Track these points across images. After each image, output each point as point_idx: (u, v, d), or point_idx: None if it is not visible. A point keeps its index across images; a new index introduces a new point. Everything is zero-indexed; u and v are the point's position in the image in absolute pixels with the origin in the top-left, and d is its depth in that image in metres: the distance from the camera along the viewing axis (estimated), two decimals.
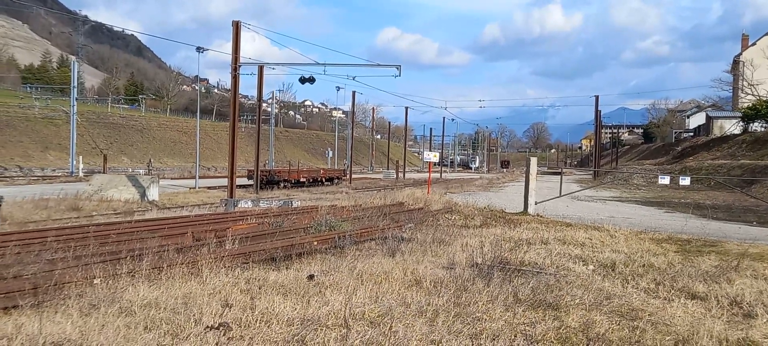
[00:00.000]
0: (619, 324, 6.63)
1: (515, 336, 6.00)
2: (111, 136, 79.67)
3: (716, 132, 68.29)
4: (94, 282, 7.55)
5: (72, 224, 15.68)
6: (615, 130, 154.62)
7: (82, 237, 11.73)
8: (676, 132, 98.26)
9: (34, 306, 6.61)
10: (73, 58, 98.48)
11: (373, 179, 65.71)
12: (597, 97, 68.63)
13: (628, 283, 8.91)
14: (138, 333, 5.65)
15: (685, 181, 24.11)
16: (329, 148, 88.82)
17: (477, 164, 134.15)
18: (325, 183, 49.66)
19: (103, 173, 42.43)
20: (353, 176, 59.15)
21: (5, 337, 5.45)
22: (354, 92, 60.30)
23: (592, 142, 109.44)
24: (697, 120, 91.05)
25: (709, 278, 9.26)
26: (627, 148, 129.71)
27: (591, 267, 10.07)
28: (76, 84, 59.72)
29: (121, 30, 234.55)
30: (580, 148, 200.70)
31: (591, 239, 13.66)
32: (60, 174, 50.43)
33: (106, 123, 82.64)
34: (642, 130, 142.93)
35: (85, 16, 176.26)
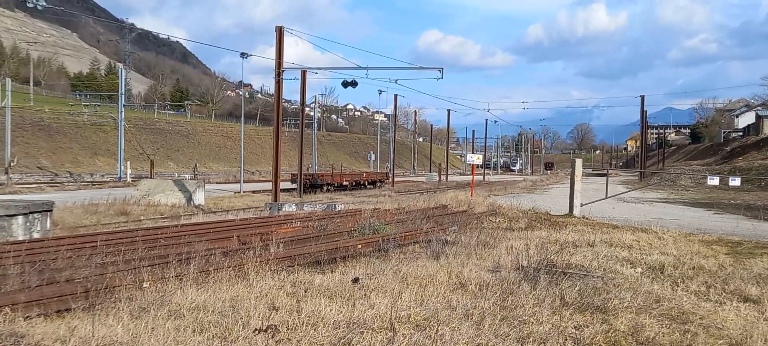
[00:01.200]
0: (669, 328, 6.50)
1: (563, 340, 5.92)
2: (157, 142, 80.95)
3: (766, 131, 66.72)
4: (144, 285, 7.67)
5: (121, 229, 15.98)
6: (661, 131, 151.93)
7: (130, 241, 11.94)
8: (724, 132, 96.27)
9: (86, 309, 6.74)
10: (120, 65, 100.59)
11: (416, 181, 65.67)
12: (642, 98, 67.49)
13: (677, 286, 8.74)
14: (187, 336, 5.72)
15: (735, 181, 23.61)
16: (371, 152, 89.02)
17: (519, 166, 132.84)
18: (368, 186, 49.80)
19: (150, 178, 43.21)
20: (396, 179, 59.19)
21: (58, 339, 5.56)
22: (396, 95, 60.40)
23: (638, 143, 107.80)
24: (746, 119, 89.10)
25: (762, 280, 9.04)
26: (674, 149, 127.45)
27: (639, 270, 9.90)
28: (123, 91, 60.88)
29: (166, 37, 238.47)
30: (626, 149, 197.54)
31: (638, 241, 13.44)
32: (108, 179, 51.50)
33: (152, 129, 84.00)
34: (689, 131, 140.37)
35: (132, 25, 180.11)
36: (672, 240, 13.95)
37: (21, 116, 61.73)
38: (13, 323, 6.06)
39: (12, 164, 45.18)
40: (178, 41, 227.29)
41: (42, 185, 40.92)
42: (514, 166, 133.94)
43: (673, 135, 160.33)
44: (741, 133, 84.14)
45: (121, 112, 58.05)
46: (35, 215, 15.03)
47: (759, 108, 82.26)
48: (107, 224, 18.75)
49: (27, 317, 6.37)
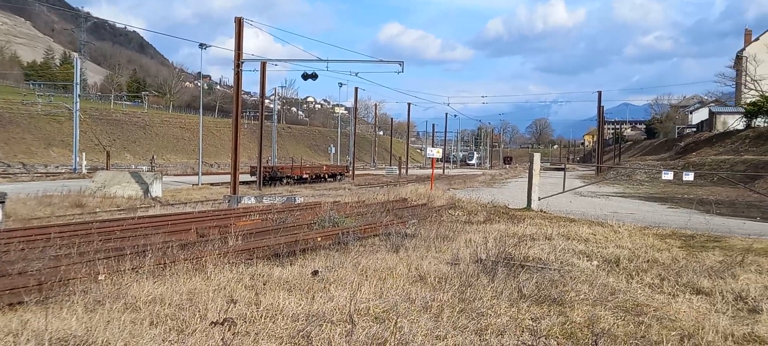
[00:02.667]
0: (624, 319, 6.63)
1: (521, 332, 6.00)
2: (114, 133, 79.72)
3: (719, 128, 68.22)
4: (99, 278, 7.55)
5: (76, 221, 15.70)
6: (618, 126, 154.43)
7: (85, 234, 11.75)
8: (679, 128, 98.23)
9: (40, 302, 6.62)
10: (75, 55, 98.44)
11: (376, 175, 65.71)
12: (600, 93, 68.50)
13: (632, 278, 8.89)
14: (143, 329, 5.65)
15: (689, 176, 24.00)
16: (332, 145, 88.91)
17: (476, 160, 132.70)
18: (328, 179, 49.67)
19: (106, 169, 42.50)
20: (356, 172, 59.17)
21: (11, 333, 5.45)
22: (356, 88, 60.23)
23: (595, 138, 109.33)
24: (700, 116, 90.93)
25: (714, 273, 9.24)
26: (630, 144, 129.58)
27: (595, 263, 10.05)
28: (78, 81, 59.66)
29: (123, 27, 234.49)
30: (583, 144, 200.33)
31: (595, 235, 13.64)
32: (63, 171, 50.47)
33: (108, 120, 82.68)
34: (645, 126, 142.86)
35: (88, 13, 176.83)
36: (627, 234, 14.19)
37: None
38: None
39: None
40: (135, 31, 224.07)
41: None
42: (471, 160, 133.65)
43: (629, 130, 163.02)
44: (695, 129, 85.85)
45: (76, 102, 56.93)
46: None
47: (712, 105, 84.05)
48: (61, 216, 18.39)
49: None
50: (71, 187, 26.16)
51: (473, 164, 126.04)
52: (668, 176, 25.68)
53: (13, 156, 58.74)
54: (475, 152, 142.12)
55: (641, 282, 8.68)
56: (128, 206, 22.13)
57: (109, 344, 5.25)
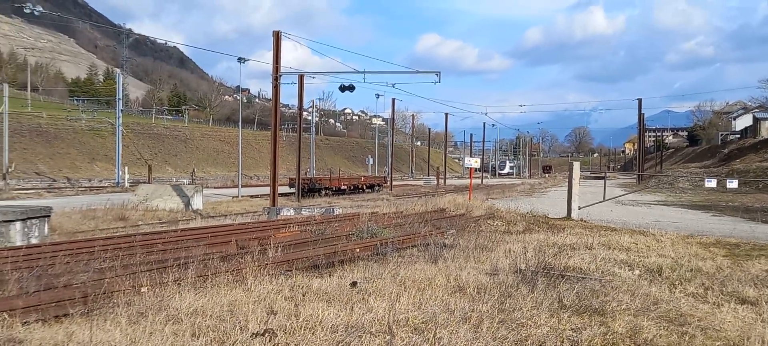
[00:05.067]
0: (667, 330, 6.51)
1: (561, 342, 5.93)
2: (155, 147, 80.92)
3: (764, 134, 66.86)
4: (142, 290, 7.66)
5: (119, 234, 15.95)
6: (659, 134, 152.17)
7: (128, 246, 11.93)
8: (722, 134, 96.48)
9: (84, 314, 6.74)
10: (117, 71, 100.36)
11: (414, 185, 65.66)
12: (640, 101, 67.82)
13: (675, 288, 8.75)
14: (185, 340, 5.72)
15: (733, 184, 23.61)
16: (369, 156, 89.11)
17: (507, 169, 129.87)
18: (366, 190, 49.75)
19: (148, 183, 43.13)
20: (394, 182, 59.19)
21: (57, 344, 5.57)
22: (394, 99, 60.39)
23: (636, 146, 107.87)
24: (743, 122, 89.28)
25: (760, 282, 9.06)
26: (672, 152, 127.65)
27: (637, 272, 9.91)
28: (121, 96, 60.83)
29: (164, 42, 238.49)
30: (623, 152, 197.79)
31: (636, 244, 13.45)
32: (106, 185, 51.40)
33: (150, 134, 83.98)
34: (687, 133, 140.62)
35: (129, 30, 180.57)
36: (670, 242, 13.97)
37: (19, 122, 61.73)
38: (11, 329, 6.06)
39: (10, 170, 45.17)
40: (175, 46, 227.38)
41: (40, 191, 40.85)
42: (504, 169, 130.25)
43: (670, 138, 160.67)
44: (738, 136, 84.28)
45: (119, 117, 58.02)
46: (33, 220, 15.01)
47: (756, 110, 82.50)
48: (105, 229, 18.71)
49: (25, 322, 6.36)
50: (114, 200, 26.60)
51: (508, 173, 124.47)
52: (712, 183, 25.22)
53: (58, 171, 59.96)
54: (507, 161, 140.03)
55: (684, 292, 8.54)
56: (170, 219, 22.43)
57: None
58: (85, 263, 9.88)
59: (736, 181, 23.62)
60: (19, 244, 13.47)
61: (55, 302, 7.08)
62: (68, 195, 37.06)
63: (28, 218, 14.83)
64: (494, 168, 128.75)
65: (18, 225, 14.46)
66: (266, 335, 5.77)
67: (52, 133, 67.91)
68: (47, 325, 6.51)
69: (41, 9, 36.16)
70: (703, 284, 9.01)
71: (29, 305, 6.86)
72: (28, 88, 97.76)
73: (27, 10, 34.48)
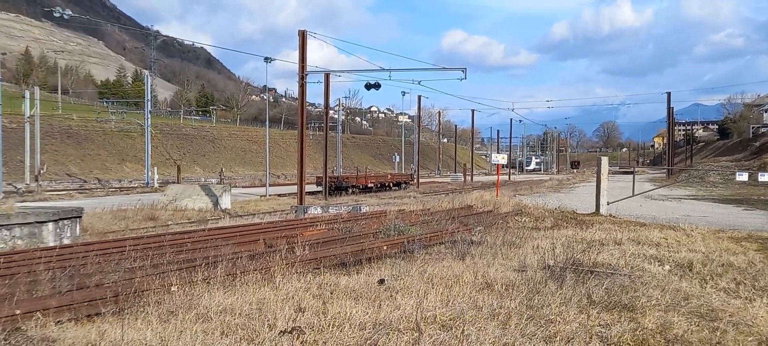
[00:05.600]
0: (698, 325, 6.43)
1: (590, 339, 5.89)
2: (184, 147, 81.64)
3: None
4: (172, 289, 7.75)
5: (149, 234, 16.13)
6: (689, 127, 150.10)
7: (158, 246, 12.07)
8: (753, 127, 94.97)
9: (116, 313, 6.83)
10: (146, 72, 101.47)
11: (441, 182, 65.57)
12: (669, 94, 66.90)
13: (706, 283, 8.65)
14: (215, 339, 5.77)
15: (765, 177, 23.20)
16: (396, 153, 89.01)
17: (533, 165, 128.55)
18: (393, 188, 49.81)
19: (177, 183, 43.53)
20: (420, 180, 59.14)
21: (89, 343, 5.65)
22: (420, 97, 60.37)
23: (665, 140, 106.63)
24: None
25: None
26: (702, 145, 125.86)
27: (667, 267, 9.81)
28: (149, 97, 61.44)
29: (191, 44, 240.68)
30: (653, 146, 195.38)
31: (666, 239, 13.31)
32: (136, 185, 52.00)
33: (179, 134, 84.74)
34: (717, 127, 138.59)
35: (157, 32, 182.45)
36: (700, 237, 13.80)
37: (50, 124, 62.60)
38: (44, 328, 6.16)
39: (42, 172, 45.83)
40: (202, 47, 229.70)
41: (71, 192, 41.42)
42: (530, 165, 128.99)
43: (700, 131, 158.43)
44: None
45: (148, 118, 58.62)
46: (65, 221, 15.25)
47: None
48: (135, 229, 18.94)
49: (58, 321, 6.46)
50: (144, 200, 26.91)
51: (534, 169, 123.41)
52: (743, 177, 24.85)
53: (89, 172, 60.77)
54: (533, 157, 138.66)
55: (716, 287, 8.43)
56: (199, 219, 22.64)
57: None
58: (116, 263, 10.01)
59: None
60: (51, 244, 13.69)
61: (87, 301, 7.19)
62: (99, 196, 37.54)
63: (60, 219, 15.07)
64: (521, 164, 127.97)
65: (50, 226, 14.70)
66: (294, 332, 5.80)
67: (82, 134, 68.82)
68: (80, 324, 6.61)
69: (70, 13, 36.67)
70: (734, 279, 8.89)
71: (62, 304, 6.97)
72: (59, 91, 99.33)
73: (56, 14, 35.03)
